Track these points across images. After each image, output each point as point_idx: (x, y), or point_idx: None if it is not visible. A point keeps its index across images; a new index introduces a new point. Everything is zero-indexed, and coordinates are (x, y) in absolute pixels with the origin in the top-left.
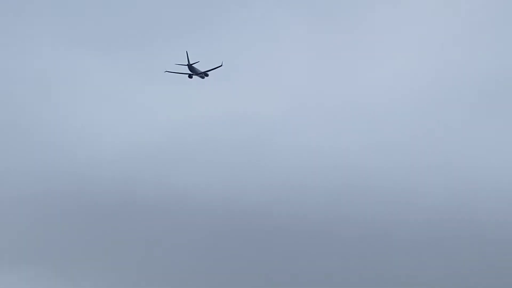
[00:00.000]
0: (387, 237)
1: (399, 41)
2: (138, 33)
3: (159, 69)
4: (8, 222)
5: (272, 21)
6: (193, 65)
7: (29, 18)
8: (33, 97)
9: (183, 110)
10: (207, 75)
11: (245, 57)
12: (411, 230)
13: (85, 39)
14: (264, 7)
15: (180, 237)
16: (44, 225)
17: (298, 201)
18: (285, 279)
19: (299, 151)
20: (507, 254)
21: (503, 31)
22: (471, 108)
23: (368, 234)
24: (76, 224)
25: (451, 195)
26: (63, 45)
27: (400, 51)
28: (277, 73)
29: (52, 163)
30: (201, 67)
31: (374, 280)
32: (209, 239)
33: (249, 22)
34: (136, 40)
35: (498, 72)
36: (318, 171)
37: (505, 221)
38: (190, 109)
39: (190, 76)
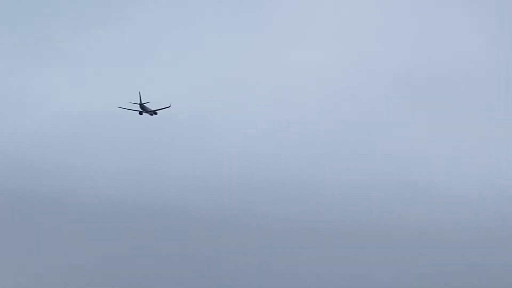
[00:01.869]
0: (304, 233)
1: (321, 33)
2: (29, 13)
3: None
4: None
5: (183, 7)
6: (144, 104)
7: None
8: None
9: (79, 100)
10: (156, 114)
11: (149, 43)
12: (336, 227)
13: None
14: None
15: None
16: None
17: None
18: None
19: (209, 147)
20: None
21: (423, 24)
22: (390, 102)
23: (283, 232)
24: None
25: (369, 192)
26: None
27: (323, 42)
28: (188, 63)
29: None
30: (151, 106)
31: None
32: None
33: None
34: (25, 22)
35: (418, 65)
36: (234, 169)
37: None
38: (88, 100)
39: (140, 113)
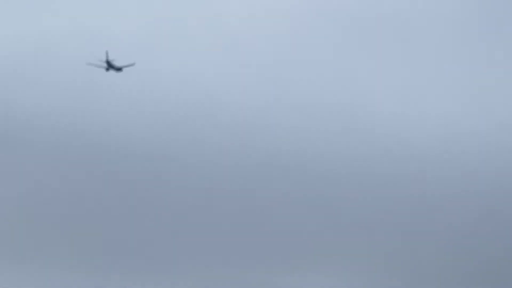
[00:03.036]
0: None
1: None
2: None
3: None
4: None
5: None
6: (110, 61)
7: None
8: None
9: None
10: (121, 70)
11: None
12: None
13: None
14: None
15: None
16: None
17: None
18: None
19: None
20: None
21: None
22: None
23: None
24: None
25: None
26: None
27: None
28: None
29: None
30: (117, 63)
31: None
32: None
33: None
34: None
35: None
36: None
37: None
38: (30, 22)
39: (107, 69)
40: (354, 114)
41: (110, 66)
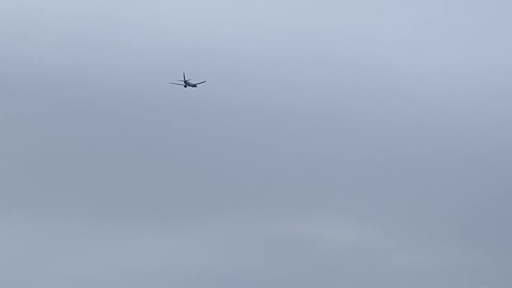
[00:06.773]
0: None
1: None
2: None
3: None
4: None
5: None
6: (187, 80)
7: None
8: None
9: None
10: (196, 86)
11: None
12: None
13: None
14: None
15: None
16: None
17: None
18: None
19: None
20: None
21: None
22: None
23: None
24: None
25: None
26: None
27: None
28: None
29: None
30: (192, 81)
31: None
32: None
33: None
34: None
35: None
36: None
37: None
38: None
39: (185, 86)
40: (361, 68)
41: (187, 84)
